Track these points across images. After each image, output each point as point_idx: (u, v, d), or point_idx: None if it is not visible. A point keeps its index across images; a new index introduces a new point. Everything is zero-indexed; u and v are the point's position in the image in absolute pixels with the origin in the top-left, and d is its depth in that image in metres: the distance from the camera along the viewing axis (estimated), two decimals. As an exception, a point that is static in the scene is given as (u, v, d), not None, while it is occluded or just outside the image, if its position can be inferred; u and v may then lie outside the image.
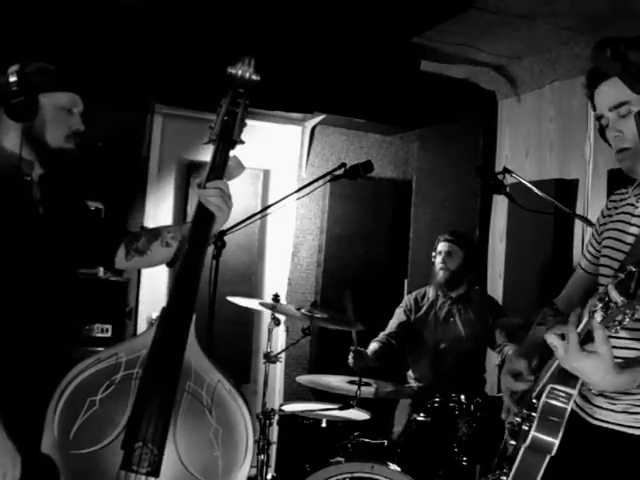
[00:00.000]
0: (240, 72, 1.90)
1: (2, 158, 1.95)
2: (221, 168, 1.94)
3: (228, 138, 1.95)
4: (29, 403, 1.85)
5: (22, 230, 1.92)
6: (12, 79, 1.91)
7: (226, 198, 1.90)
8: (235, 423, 1.77)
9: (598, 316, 1.38)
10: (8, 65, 1.99)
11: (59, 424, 1.76)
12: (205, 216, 1.87)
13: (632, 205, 1.76)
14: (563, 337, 1.49)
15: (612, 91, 1.69)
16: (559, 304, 1.96)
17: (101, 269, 3.70)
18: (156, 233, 2.11)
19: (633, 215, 1.73)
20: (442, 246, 3.73)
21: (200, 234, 1.86)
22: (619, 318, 1.35)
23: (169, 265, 2.15)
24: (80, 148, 2.03)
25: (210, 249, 2.53)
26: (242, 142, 1.95)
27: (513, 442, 1.74)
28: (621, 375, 1.49)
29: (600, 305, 1.38)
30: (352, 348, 3.34)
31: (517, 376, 1.80)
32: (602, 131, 1.77)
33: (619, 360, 1.54)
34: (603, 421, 1.70)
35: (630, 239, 1.69)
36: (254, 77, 1.89)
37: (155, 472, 1.72)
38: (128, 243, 2.13)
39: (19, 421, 1.82)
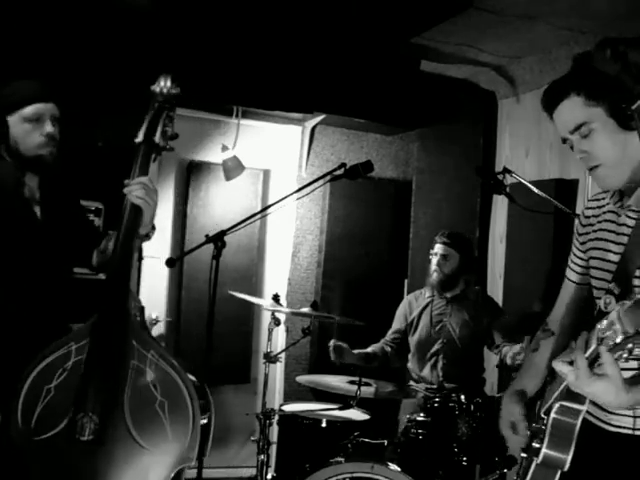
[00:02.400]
0: (158, 89, 2.15)
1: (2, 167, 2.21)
2: (144, 167, 2.11)
3: (150, 144, 2.13)
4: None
5: (18, 229, 2.14)
6: None
7: (149, 192, 2.06)
8: (179, 395, 1.92)
9: (608, 343, 1.37)
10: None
11: (22, 413, 1.91)
12: (132, 209, 2.04)
13: (614, 213, 1.73)
14: (571, 363, 1.48)
15: (569, 113, 1.64)
16: (551, 324, 1.94)
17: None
18: (112, 236, 2.29)
19: (618, 224, 1.70)
20: (438, 248, 3.69)
21: (128, 225, 2.04)
22: (629, 347, 1.35)
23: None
24: (61, 152, 2.25)
25: (210, 249, 2.54)
26: (171, 149, 2.17)
27: (524, 455, 1.74)
28: (630, 393, 1.48)
29: (609, 332, 1.36)
30: (330, 344, 3.39)
31: (514, 426, 1.82)
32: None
33: (628, 375, 1.54)
34: (620, 427, 1.69)
35: (618, 249, 1.67)
36: (173, 91, 2.15)
37: (97, 440, 1.87)
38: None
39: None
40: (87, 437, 1.86)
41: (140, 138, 2.13)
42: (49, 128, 2.20)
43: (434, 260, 3.69)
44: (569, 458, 1.59)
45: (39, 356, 1.94)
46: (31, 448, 1.89)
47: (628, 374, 1.59)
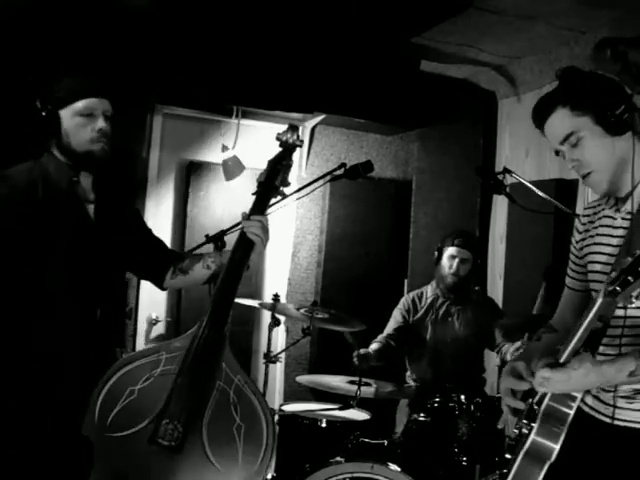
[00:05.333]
0: (285, 138, 2.35)
1: (50, 163, 2.18)
2: (263, 207, 2.27)
3: (270, 186, 2.29)
4: (75, 390, 2.07)
5: (69, 227, 2.14)
6: (37, 103, 2.16)
7: (265, 231, 2.21)
8: (257, 421, 1.99)
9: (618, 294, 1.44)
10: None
11: (100, 409, 1.97)
12: (246, 243, 2.19)
13: (610, 217, 1.79)
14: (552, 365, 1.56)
15: (558, 124, 1.74)
16: (554, 324, 1.97)
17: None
18: (199, 257, 2.41)
19: (614, 227, 1.76)
20: (455, 251, 3.62)
21: (240, 257, 2.19)
22: (635, 293, 1.42)
23: (204, 283, 2.41)
24: (111, 150, 2.22)
25: (210, 249, 2.54)
26: (283, 194, 2.32)
27: (509, 455, 1.74)
28: (604, 365, 1.54)
29: (617, 283, 1.43)
30: (355, 353, 3.31)
31: (518, 377, 1.81)
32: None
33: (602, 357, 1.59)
34: (622, 420, 1.70)
35: (615, 251, 1.72)
36: (297, 143, 2.35)
37: (178, 447, 1.94)
38: (174, 264, 2.41)
39: (62, 406, 2.05)
40: (169, 443, 1.93)
41: (262, 179, 2.29)
42: (101, 123, 2.17)
43: (452, 264, 3.62)
44: (557, 448, 1.59)
45: (127, 358, 2.03)
46: (102, 444, 1.94)
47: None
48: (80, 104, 2.15)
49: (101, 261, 2.19)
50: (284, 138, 2.35)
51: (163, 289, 2.46)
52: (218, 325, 2.06)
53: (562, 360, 1.56)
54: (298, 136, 2.36)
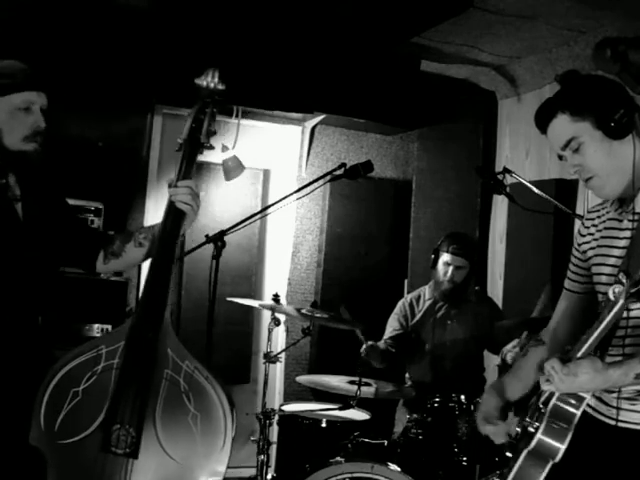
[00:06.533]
0: (205, 83, 2.02)
1: None
2: (189, 169, 2.01)
3: (195, 142, 2.02)
4: (15, 400, 1.91)
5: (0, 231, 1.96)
6: None
7: (195, 197, 1.98)
8: (213, 408, 1.84)
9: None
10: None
11: (45, 416, 1.84)
12: (175, 213, 1.98)
13: (616, 220, 1.79)
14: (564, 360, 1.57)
15: (558, 130, 1.75)
16: (545, 336, 1.97)
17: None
18: (128, 235, 2.18)
19: (620, 229, 1.77)
20: (450, 259, 3.54)
21: (171, 230, 1.97)
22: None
23: (143, 261, 2.23)
24: (45, 148, 2.02)
25: (210, 249, 2.54)
26: (211, 147, 2.06)
27: (510, 454, 1.73)
28: (610, 369, 1.54)
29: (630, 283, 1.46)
30: (367, 343, 3.30)
31: (488, 418, 1.83)
32: None
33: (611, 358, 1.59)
34: (624, 422, 1.70)
35: (622, 252, 1.72)
36: (219, 87, 2.03)
37: (134, 453, 1.81)
38: (105, 247, 2.19)
39: (6, 416, 1.89)
40: (124, 450, 1.80)
41: (185, 136, 2.01)
42: (39, 120, 1.96)
43: (447, 270, 3.56)
44: (563, 448, 1.60)
45: (65, 357, 1.88)
46: (53, 452, 1.83)
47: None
48: (17, 97, 1.93)
49: (33, 259, 2.00)
50: (204, 83, 2.01)
51: (96, 274, 2.29)
52: (156, 308, 1.90)
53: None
54: (220, 78, 2.01)
